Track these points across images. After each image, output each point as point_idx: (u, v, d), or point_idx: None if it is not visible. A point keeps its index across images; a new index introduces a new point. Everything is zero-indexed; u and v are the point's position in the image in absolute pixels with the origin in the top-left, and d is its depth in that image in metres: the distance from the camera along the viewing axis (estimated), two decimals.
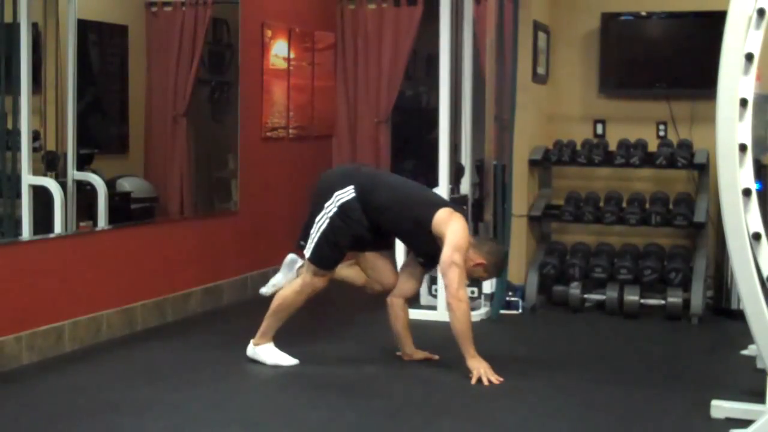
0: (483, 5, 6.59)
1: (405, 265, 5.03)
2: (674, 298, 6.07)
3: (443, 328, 5.51)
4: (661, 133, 6.86)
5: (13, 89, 4.80)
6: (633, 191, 6.64)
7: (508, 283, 6.16)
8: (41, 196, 4.97)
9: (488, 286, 5.99)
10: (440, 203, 4.80)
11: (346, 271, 4.95)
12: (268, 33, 6.77)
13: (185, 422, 3.90)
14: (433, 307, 5.81)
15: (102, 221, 5.35)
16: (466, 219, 5.02)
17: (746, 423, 3.77)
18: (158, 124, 6.26)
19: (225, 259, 6.37)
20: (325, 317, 6.09)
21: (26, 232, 4.86)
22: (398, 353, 4.98)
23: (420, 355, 4.94)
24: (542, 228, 6.79)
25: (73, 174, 5.22)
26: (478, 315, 5.74)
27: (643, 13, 6.95)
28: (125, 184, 5.91)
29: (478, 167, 6.46)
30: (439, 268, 4.67)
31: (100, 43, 5.83)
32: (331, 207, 4.65)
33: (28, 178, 4.89)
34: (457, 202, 5.51)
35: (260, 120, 6.74)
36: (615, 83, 6.98)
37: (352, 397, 4.29)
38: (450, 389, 4.46)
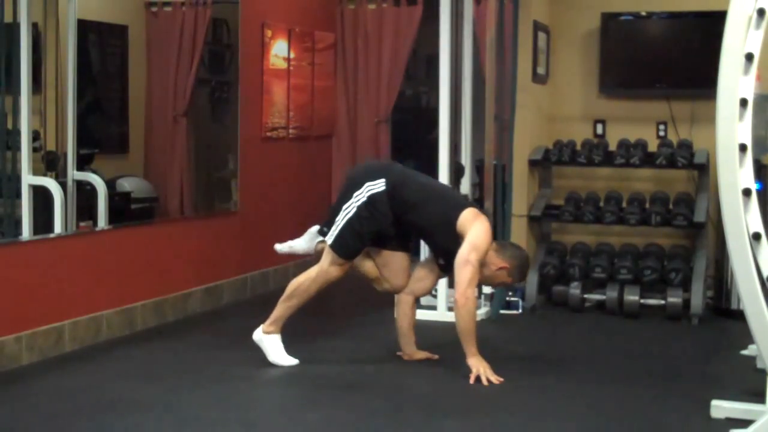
0: (483, 5, 6.58)
1: (422, 265, 5.04)
2: (674, 298, 6.07)
3: (443, 327, 5.52)
4: (661, 133, 6.86)
5: (13, 89, 4.80)
6: (633, 191, 6.65)
7: None
8: (41, 196, 4.97)
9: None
10: (467, 204, 4.84)
11: (361, 261, 4.94)
12: (268, 33, 6.77)
13: (185, 422, 3.90)
14: (433, 307, 5.81)
15: (102, 221, 5.35)
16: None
17: (746, 423, 3.77)
18: (158, 124, 6.26)
19: (225, 259, 6.37)
20: (325, 317, 6.09)
21: (26, 232, 4.86)
22: (398, 353, 4.98)
23: (420, 355, 4.94)
24: (542, 228, 6.79)
25: (73, 174, 5.22)
26: (478, 315, 5.72)
27: (643, 13, 6.95)
28: (125, 184, 5.91)
29: (478, 167, 6.46)
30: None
31: (100, 43, 5.83)
32: (360, 197, 4.67)
33: (28, 178, 4.89)
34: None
35: (260, 120, 6.74)
36: (615, 83, 6.98)
37: (352, 397, 4.29)
38: (450, 389, 4.46)
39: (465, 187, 6.22)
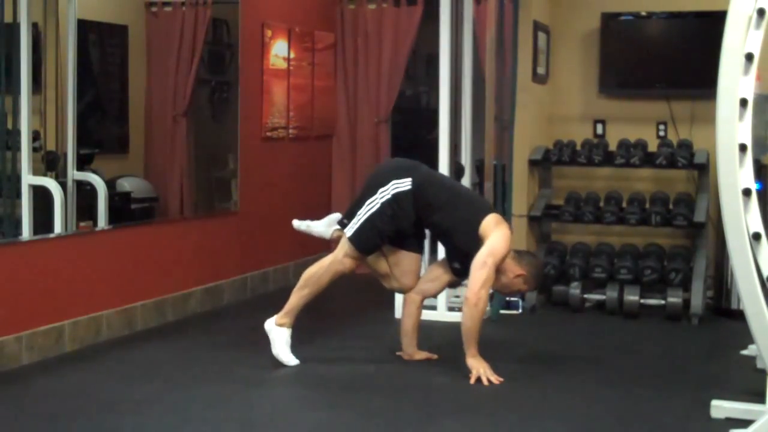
0: (483, 5, 6.59)
1: (435, 267, 5.04)
2: (674, 298, 6.07)
3: (443, 327, 5.53)
4: (661, 133, 6.86)
5: (13, 89, 4.80)
6: (633, 191, 6.64)
7: None
8: (41, 196, 4.97)
9: None
10: (491, 210, 4.85)
11: (374, 257, 4.93)
12: (268, 33, 6.77)
13: (185, 422, 3.90)
14: (433, 307, 5.81)
15: (102, 221, 5.35)
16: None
17: (746, 423, 3.77)
18: (158, 124, 6.26)
19: (225, 259, 6.37)
20: (325, 317, 6.09)
21: (26, 232, 4.86)
22: (398, 353, 4.98)
23: (420, 355, 4.94)
24: (542, 228, 6.79)
25: (73, 174, 5.23)
26: None
27: (643, 13, 6.95)
28: (125, 184, 5.91)
29: (478, 167, 6.46)
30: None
31: (100, 43, 5.83)
32: (385, 193, 4.69)
33: (28, 178, 4.89)
34: None
35: (260, 120, 6.74)
36: (615, 83, 6.98)
37: (352, 397, 4.29)
38: (450, 389, 4.46)
39: None
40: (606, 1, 6.96)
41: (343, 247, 4.78)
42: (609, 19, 6.91)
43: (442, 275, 4.95)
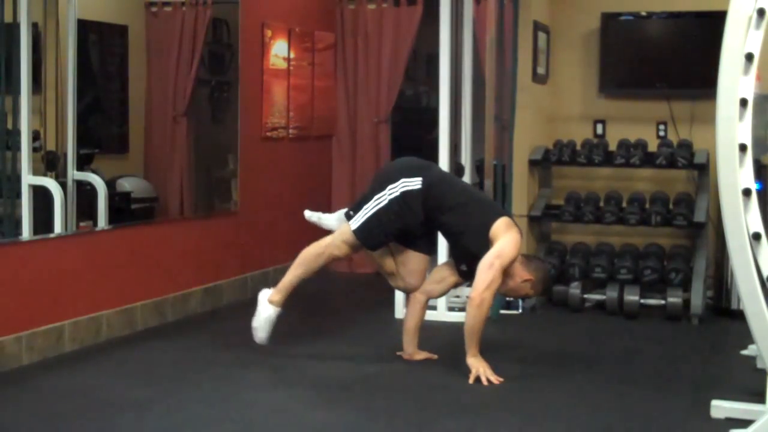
0: (483, 5, 6.59)
1: (441, 268, 5.03)
2: (674, 298, 6.07)
3: (443, 327, 5.53)
4: (661, 133, 6.86)
5: (13, 89, 4.80)
6: (633, 191, 6.65)
7: None
8: (41, 196, 4.97)
9: None
10: (503, 213, 4.85)
11: (382, 254, 4.94)
12: (268, 33, 6.77)
13: (185, 422, 3.90)
14: (434, 308, 5.81)
15: (102, 221, 5.35)
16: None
17: (746, 423, 3.77)
18: (158, 124, 6.25)
19: (225, 259, 6.37)
20: (325, 317, 6.09)
21: (26, 232, 4.86)
22: (399, 353, 4.98)
23: (420, 355, 4.94)
24: (542, 228, 6.79)
25: (73, 174, 5.22)
26: None
27: (643, 13, 6.95)
28: (125, 184, 5.90)
29: (478, 167, 6.46)
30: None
31: (100, 43, 5.83)
32: (394, 190, 4.69)
33: (28, 178, 4.89)
34: None
35: (260, 120, 6.74)
36: (615, 83, 6.98)
37: (352, 397, 4.29)
38: (450, 389, 4.46)
39: None
40: (606, 1, 6.96)
41: (343, 234, 4.79)
42: (609, 19, 6.92)
43: (448, 277, 4.95)
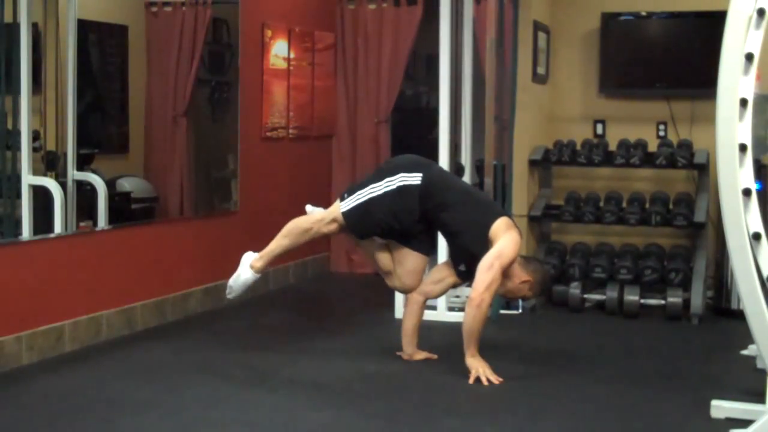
0: (483, 5, 6.59)
1: (439, 269, 5.02)
2: (674, 298, 6.07)
3: (443, 327, 5.53)
4: (661, 133, 6.86)
5: (13, 89, 4.80)
6: (633, 191, 6.65)
7: None
8: (41, 196, 4.97)
9: None
10: (502, 213, 4.84)
11: (378, 250, 4.94)
12: (268, 33, 6.77)
13: (185, 422, 3.90)
14: (433, 308, 5.81)
15: (102, 221, 5.35)
16: None
17: (746, 423, 3.77)
18: (158, 124, 6.25)
19: (225, 259, 6.35)
20: (325, 317, 6.09)
21: (26, 232, 4.86)
22: (398, 353, 4.98)
23: (420, 355, 4.94)
24: (542, 228, 6.79)
25: (73, 174, 5.22)
26: None
27: (643, 13, 6.95)
28: (125, 184, 5.90)
29: (478, 167, 6.46)
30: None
31: (100, 43, 5.83)
32: (391, 183, 4.69)
33: (28, 178, 4.89)
34: None
35: (260, 120, 6.74)
36: (615, 83, 6.98)
37: (352, 397, 4.29)
38: (450, 389, 4.46)
39: None
40: (606, 1, 6.96)
41: (333, 213, 4.80)
42: (609, 19, 6.92)
43: (446, 277, 4.94)
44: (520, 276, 4.70)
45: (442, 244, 5.46)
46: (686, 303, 6.06)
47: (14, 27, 4.77)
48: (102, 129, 5.98)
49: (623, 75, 6.97)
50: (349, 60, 7.70)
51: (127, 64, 6.06)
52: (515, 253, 4.63)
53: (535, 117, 6.75)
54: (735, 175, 3.67)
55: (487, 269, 4.54)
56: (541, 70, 6.83)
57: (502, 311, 6.10)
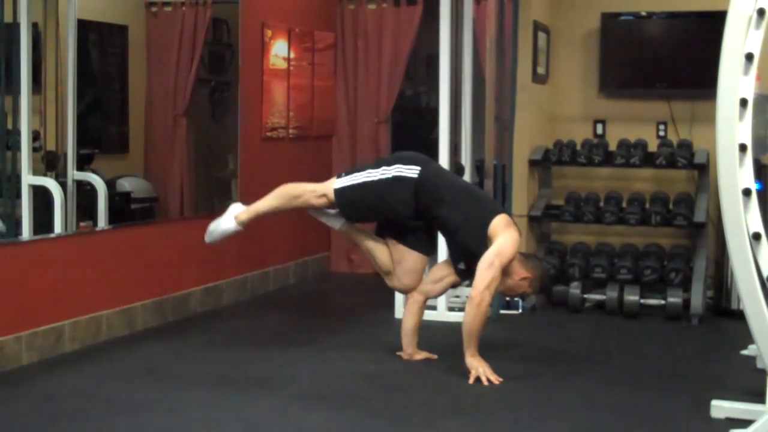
0: (483, 5, 6.59)
1: (439, 268, 5.02)
2: (674, 298, 6.07)
3: (443, 327, 5.53)
4: (661, 133, 6.86)
5: (13, 89, 4.80)
6: (633, 191, 6.65)
7: None
8: (41, 196, 4.97)
9: None
10: (501, 210, 4.84)
11: (378, 249, 4.94)
12: (268, 33, 6.77)
13: (185, 422, 3.90)
14: (433, 307, 5.81)
15: (102, 221, 5.35)
16: None
17: (746, 423, 3.77)
18: (158, 124, 6.26)
19: (225, 259, 6.37)
20: (325, 317, 6.09)
21: (26, 232, 4.86)
22: (398, 353, 4.98)
23: (420, 355, 4.94)
24: (542, 228, 6.79)
25: (73, 174, 5.22)
26: None
27: (643, 13, 6.95)
28: (125, 184, 5.90)
29: (478, 167, 6.46)
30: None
31: (100, 43, 5.83)
32: (387, 172, 4.72)
33: (28, 178, 4.89)
34: None
35: (260, 120, 6.74)
36: (615, 83, 6.98)
37: (352, 397, 4.29)
38: (450, 389, 4.46)
39: None
40: (606, 1, 6.96)
41: (326, 188, 4.83)
42: (609, 19, 6.92)
43: (446, 276, 4.94)
44: (519, 273, 4.70)
45: (441, 243, 5.45)
46: (686, 303, 6.06)
47: (14, 27, 4.77)
48: (102, 129, 5.98)
49: (623, 75, 6.97)
50: (349, 60, 7.70)
51: (127, 64, 6.06)
52: (515, 251, 4.63)
53: (535, 117, 6.75)
54: (735, 175, 3.67)
55: (487, 267, 4.53)
56: (541, 70, 6.83)
57: (502, 311, 6.10)
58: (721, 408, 4.02)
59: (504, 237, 4.60)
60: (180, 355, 5.03)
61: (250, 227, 6.58)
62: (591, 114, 7.07)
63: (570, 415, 4.11)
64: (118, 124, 6.10)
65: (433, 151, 5.99)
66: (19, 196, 4.88)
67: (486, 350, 4.67)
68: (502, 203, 6.15)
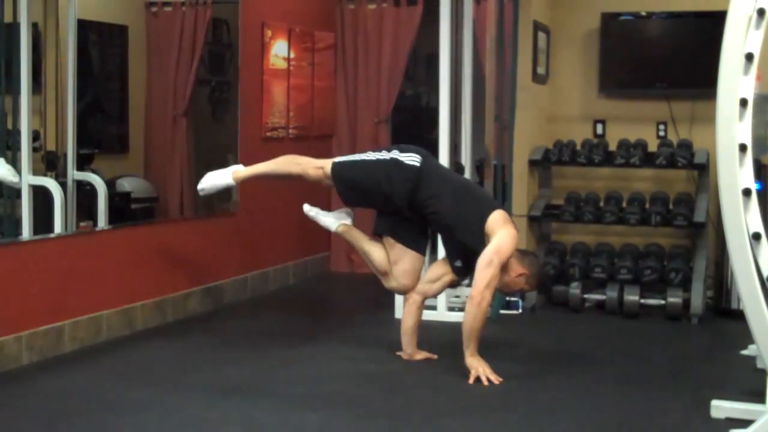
0: (483, 5, 6.59)
1: (436, 267, 5.02)
2: (674, 298, 6.07)
3: (443, 327, 5.53)
4: (661, 133, 6.86)
5: (13, 89, 4.80)
6: (633, 191, 6.65)
7: None
8: (41, 196, 4.97)
9: None
10: (498, 206, 4.85)
11: (375, 251, 4.95)
12: (268, 33, 6.77)
13: (185, 422, 3.90)
14: (433, 307, 5.81)
15: (102, 221, 5.35)
16: None
17: (746, 423, 3.78)
18: (158, 124, 6.26)
19: (225, 259, 6.37)
20: (325, 317, 6.10)
21: (26, 232, 4.86)
22: (398, 353, 4.98)
23: (420, 355, 4.94)
24: (542, 228, 6.79)
25: (73, 174, 5.22)
26: None
27: (643, 13, 6.95)
28: (125, 184, 5.91)
29: (478, 167, 6.46)
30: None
31: (100, 43, 5.83)
32: (388, 156, 4.78)
33: (28, 178, 4.89)
34: None
35: (260, 120, 6.74)
36: (615, 83, 6.98)
37: (352, 397, 4.29)
38: (450, 389, 4.46)
39: None
40: (606, 1, 6.96)
41: (325, 162, 4.92)
42: (609, 19, 6.92)
43: (443, 275, 4.94)
44: (517, 270, 4.70)
45: (438, 243, 5.45)
46: (686, 303, 6.06)
47: (14, 27, 4.77)
48: (102, 129, 5.98)
49: (623, 75, 6.97)
50: (349, 60, 7.70)
51: (127, 64, 6.06)
52: (513, 248, 4.63)
53: (535, 117, 6.75)
54: (735, 175, 3.67)
55: (486, 266, 4.53)
56: (541, 70, 6.83)
57: (502, 311, 6.10)
58: (721, 408, 4.02)
59: (502, 234, 4.60)
60: (180, 355, 5.03)
61: (250, 223, 6.61)
62: (591, 114, 7.07)
63: (570, 415, 4.11)
64: (118, 124, 6.10)
65: (433, 151, 5.99)
66: (19, 196, 4.88)
67: (486, 350, 4.67)
68: (502, 203, 6.15)
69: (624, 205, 6.54)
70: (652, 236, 6.64)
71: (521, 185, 6.51)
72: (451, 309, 5.97)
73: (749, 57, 3.65)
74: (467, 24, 6.33)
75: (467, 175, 6.27)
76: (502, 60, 6.28)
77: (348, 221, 5.08)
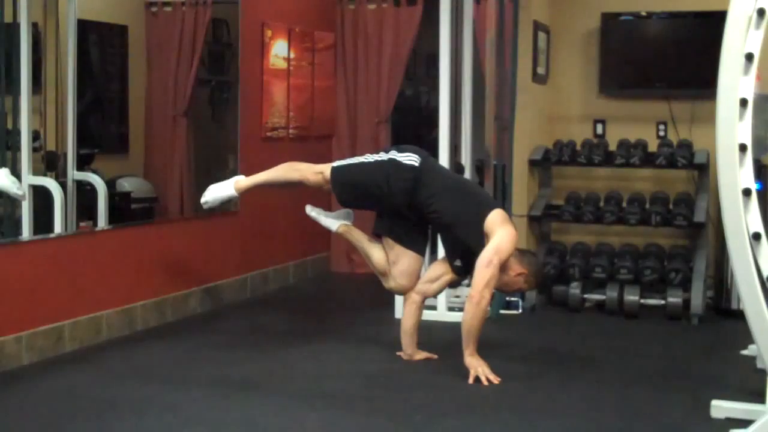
0: (483, 5, 6.58)
1: (435, 267, 5.02)
2: (674, 298, 6.07)
3: (443, 327, 5.53)
4: (661, 133, 6.86)
5: (13, 89, 4.80)
6: (633, 191, 6.65)
7: None
8: (41, 196, 4.97)
9: None
10: (497, 205, 4.85)
11: (374, 251, 4.96)
12: (268, 33, 6.77)
13: (184, 422, 3.90)
14: (433, 307, 5.81)
15: (102, 221, 5.35)
16: None
17: (746, 423, 3.77)
18: (158, 124, 6.26)
19: (225, 259, 6.37)
20: (325, 317, 6.09)
21: (26, 232, 4.86)
22: (398, 353, 4.98)
23: (420, 356, 4.94)
24: (542, 228, 6.79)
25: (73, 174, 5.23)
26: None
27: (643, 13, 6.95)
28: (125, 184, 5.91)
29: (478, 167, 6.46)
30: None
31: (100, 43, 5.83)
32: (386, 157, 4.79)
33: (28, 178, 4.89)
34: None
35: (260, 120, 6.74)
36: (615, 83, 6.98)
37: (352, 397, 4.29)
38: (450, 389, 4.46)
39: None
40: (606, 1, 6.96)
41: (324, 167, 4.95)
42: (609, 19, 6.92)
43: (443, 275, 4.94)
44: (516, 269, 4.70)
45: (439, 243, 5.45)
46: (686, 303, 6.06)
47: (14, 27, 4.77)
48: (102, 129, 5.98)
49: (623, 75, 6.97)
50: (349, 60, 7.70)
51: (127, 64, 6.06)
52: (512, 247, 4.62)
53: (535, 117, 6.75)
54: (735, 175, 3.67)
55: (486, 265, 4.53)
56: (541, 70, 6.83)
57: (502, 311, 6.10)
58: (721, 408, 4.02)
59: (502, 233, 4.60)
60: (180, 355, 5.03)
61: (250, 223, 6.61)
62: (591, 114, 7.07)
63: (570, 414, 4.11)
64: (118, 124, 6.10)
65: (433, 152, 5.99)
66: None
67: (486, 350, 4.67)
68: (502, 203, 6.15)
69: (624, 205, 6.54)
70: (652, 236, 6.64)
71: (521, 185, 6.51)
72: (451, 309, 5.97)
73: (749, 57, 3.65)
74: (467, 24, 6.32)
75: (467, 175, 6.27)
76: (502, 60, 6.27)
77: (348, 222, 5.09)
